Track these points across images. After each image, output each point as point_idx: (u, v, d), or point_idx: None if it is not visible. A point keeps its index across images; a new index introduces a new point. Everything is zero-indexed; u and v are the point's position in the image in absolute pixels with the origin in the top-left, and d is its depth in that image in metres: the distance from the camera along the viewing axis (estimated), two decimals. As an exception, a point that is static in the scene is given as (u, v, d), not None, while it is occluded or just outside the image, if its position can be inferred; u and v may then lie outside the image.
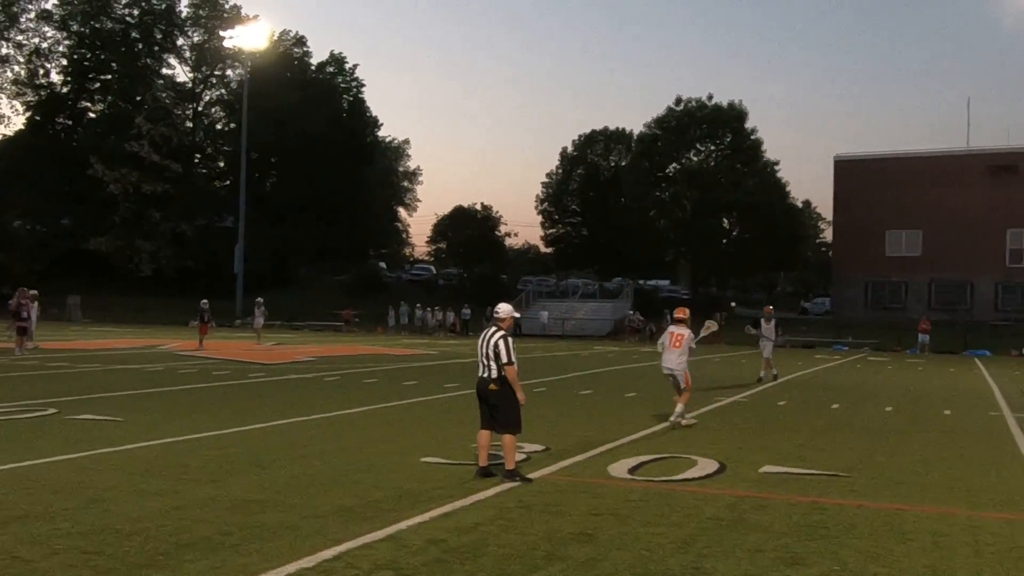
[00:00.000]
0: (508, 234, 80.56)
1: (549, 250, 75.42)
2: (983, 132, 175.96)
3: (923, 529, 7.19)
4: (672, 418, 13.38)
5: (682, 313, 14.00)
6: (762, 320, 23.05)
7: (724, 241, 65.24)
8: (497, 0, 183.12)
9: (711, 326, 15.40)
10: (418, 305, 54.95)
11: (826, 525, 7.23)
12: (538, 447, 10.84)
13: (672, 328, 13.79)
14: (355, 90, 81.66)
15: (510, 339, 8.99)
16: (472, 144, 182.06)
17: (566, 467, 9.68)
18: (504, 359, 8.78)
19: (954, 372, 29.03)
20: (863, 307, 63.34)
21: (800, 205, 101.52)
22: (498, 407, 8.88)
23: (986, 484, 9.33)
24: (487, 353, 8.92)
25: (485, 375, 8.95)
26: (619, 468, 9.63)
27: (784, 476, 9.46)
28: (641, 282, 74.14)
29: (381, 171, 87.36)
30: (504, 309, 9.32)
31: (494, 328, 9.10)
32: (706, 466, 9.93)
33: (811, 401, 17.74)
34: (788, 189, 69.65)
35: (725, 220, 64.46)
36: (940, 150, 64.11)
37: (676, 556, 6.23)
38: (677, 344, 13.50)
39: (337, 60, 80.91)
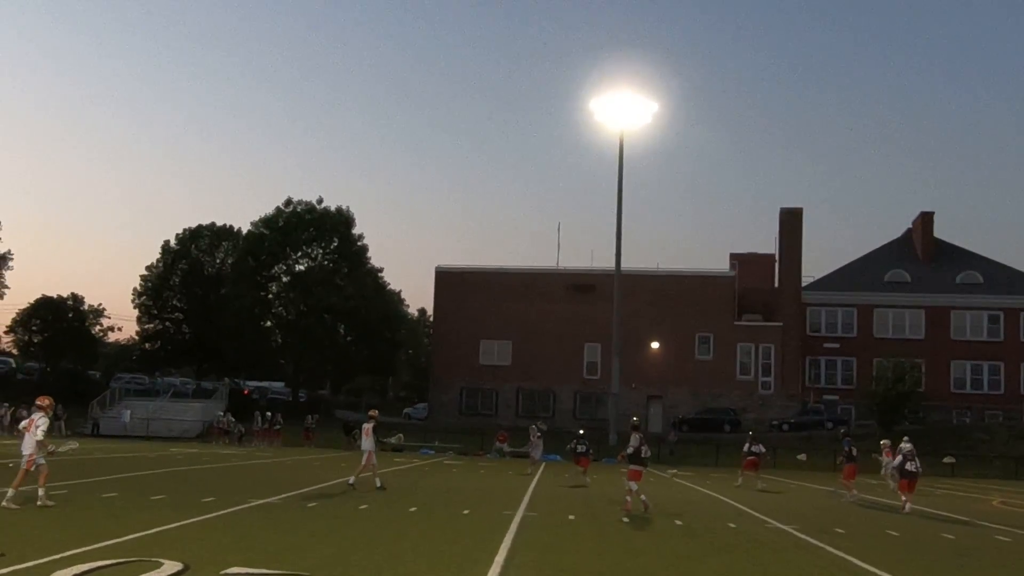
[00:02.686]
0: (111, 328, 76.01)
1: (147, 346, 71.62)
2: (571, 253, 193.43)
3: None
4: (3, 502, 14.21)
5: (43, 401, 15.39)
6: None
7: (327, 344, 65.31)
8: (106, 72, 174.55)
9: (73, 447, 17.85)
10: (-20, 401, 49.79)
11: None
12: (-11, 554, 9.93)
13: None
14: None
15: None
16: (69, 229, 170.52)
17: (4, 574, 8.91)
18: None
19: (512, 475, 30.63)
20: (458, 412, 65.91)
21: (416, 313, 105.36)
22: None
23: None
24: None
25: None
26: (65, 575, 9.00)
27: (246, 577, 9.31)
28: (249, 383, 72.46)
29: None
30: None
31: None
32: (168, 568, 9.55)
33: (340, 503, 17.86)
34: (402, 296, 71.68)
35: (327, 323, 64.62)
36: (530, 267, 69.05)
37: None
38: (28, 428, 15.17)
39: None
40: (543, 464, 30.91)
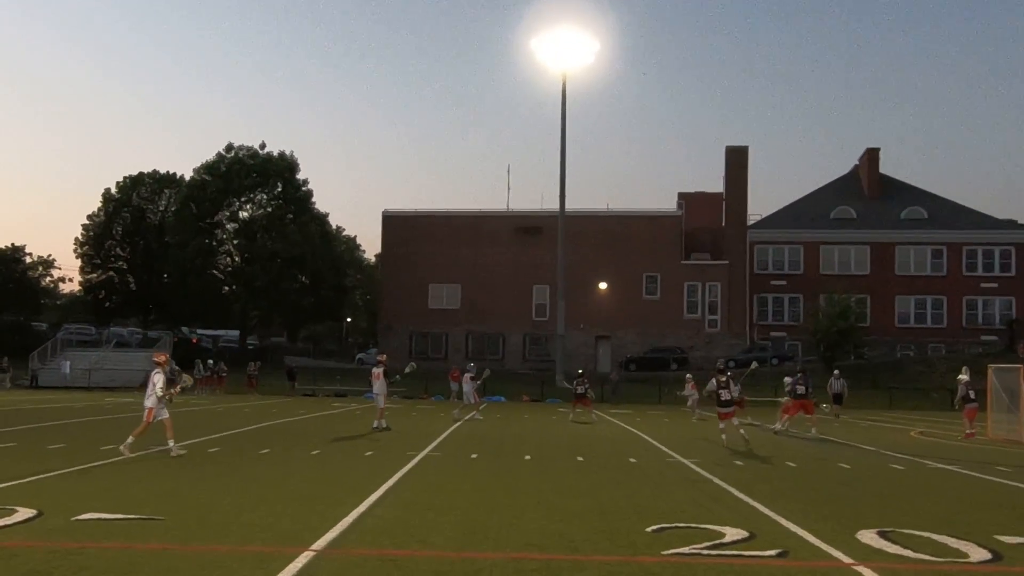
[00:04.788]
0: (62, 279, 75.04)
1: (91, 296, 70.78)
2: (521, 197, 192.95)
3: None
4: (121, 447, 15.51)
5: (159, 358, 16.32)
6: None
7: (274, 291, 64.83)
8: (44, 15, 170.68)
9: (186, 383, 18.01)
10: None
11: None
12: None
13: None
14: None
15: None
16: (14, 178, 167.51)
17: None
18: None
19: (443, 417, 30.67)
20: (407, 357, 65.80)
21: (373, 259, 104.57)
22: None
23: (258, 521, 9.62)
24: None
25: None
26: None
27: (99, 522, 9.19)
28: (202, 332, 71.98)
29: None
30: None
31: None
32: (20, 515, 9.42)
33: (243, 450, 17.78)
34: (358, 242, 71.01)
35: (273, 270, 64.06)
36: (478, 210, 68.70)
37: None
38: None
39: None
40: (479, 406, 30.86)
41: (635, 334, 64.61)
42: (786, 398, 25.74)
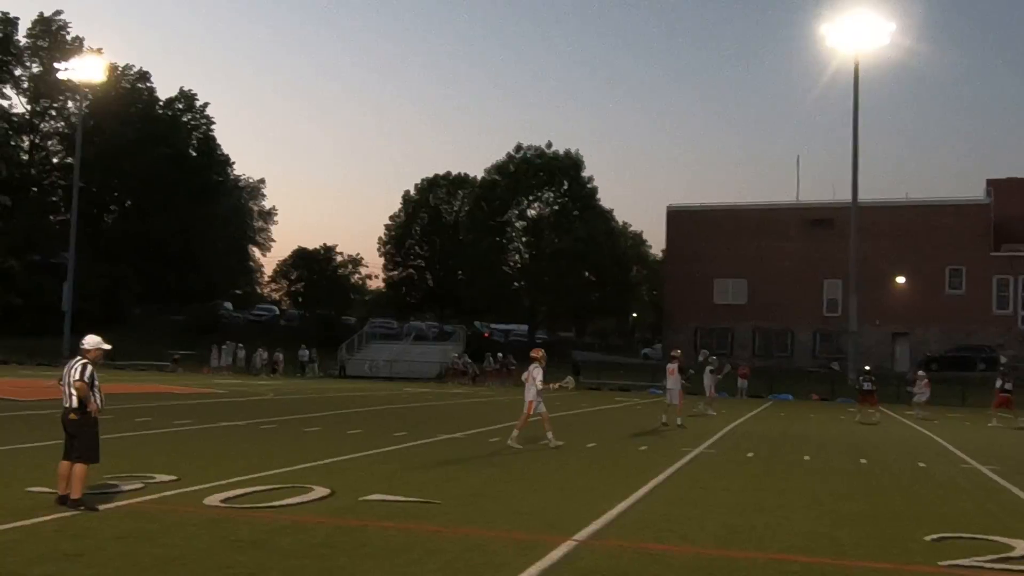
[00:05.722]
0: (369, 276, 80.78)
1: (392, 292, 75.66)
2: (811, 188, 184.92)
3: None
4: (509, 441, 16.26)
5: (536, 353, 16.90)
6: None
7: (560, 287, 66.34)
8: (350, 42, 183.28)
9: (568, 384, 18.93)
10: (239, 345, 54.30)
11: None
12: (170, 477, 11.08)
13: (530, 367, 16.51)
14: (204, 127, 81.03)
15: (91, 367, 9.25)
16: (325, 184, 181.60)
17: (166, 496, 9.90)
18: (76, 376, 9.08)
19: (723, 415, 30.21)
20: (693, 352, 65.24)
21: (660, 255, 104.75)
22: (76, 436, 9.13)
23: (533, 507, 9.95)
24: (68, 382, 9.19)
25: (67, 404, 9.20)
26: (216, 498, 9.90)
27: (382, 503, 9.93)
28: (495, 327, 75.02)
29: (231, 210, 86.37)
30: (91, 341, 9.56)
31: (79, 358, 9.37)
32: (316, 494, 10.33)
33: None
34: (644, 238, 71.62)
35: (559, 266, 65.56)
36: (765, 203, 66.96)
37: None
38: (527, 379, 16.54)
39: (186, 97, 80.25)
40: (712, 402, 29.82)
41: (937, 331, 60.56)
42: None
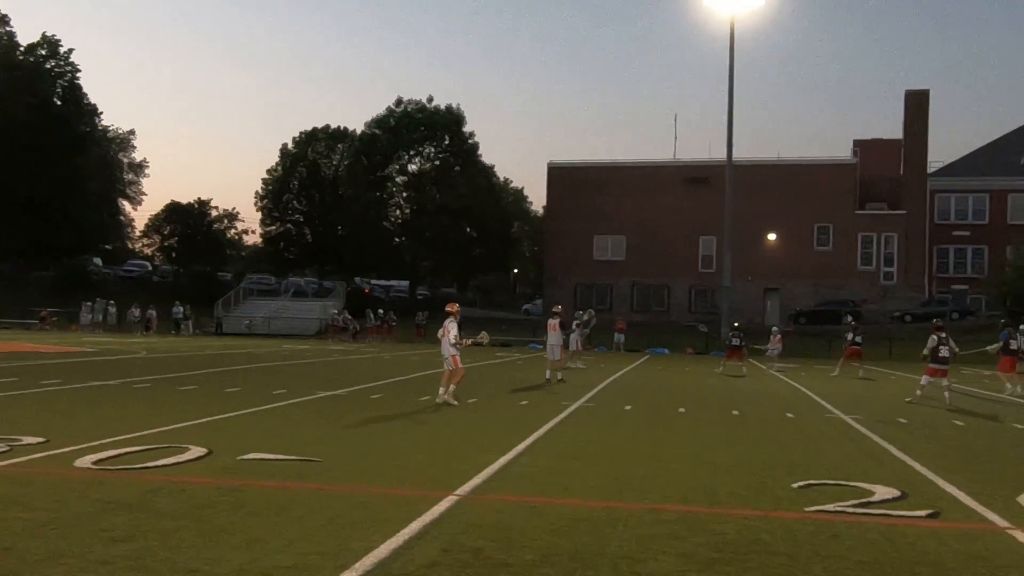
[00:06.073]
0: (246, 231, 78.94)
1: (270, 248, 74.25)
2: (688, 146, 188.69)
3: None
4: (437, 399, 16.20)
5: (451, 307, 16.88)
6: None
7: (441, 243, 66.27)
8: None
9: (483, 339, 19.30)
10: (110, 302, 52.61)
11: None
12: (38, 439, 10.68)
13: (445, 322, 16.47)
14: (70, 75, 77.37)
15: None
16: (199, 136, 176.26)
17: (34, 459, 9.54)
18: None
19: (603, 368, 30.76)
20: (572, 308, 66.07)
21: (541, 211, 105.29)
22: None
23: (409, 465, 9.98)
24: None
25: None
26: (88, 459, 9.59)
27: (262, 462, 9.78)
28: (375, 283, 74.37)
29: (99, 162, 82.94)
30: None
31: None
32: (192, 453, 10.10)
33: (403, 396, 18.39)
34: (525, 194, 71.82)
35: (441, 222, 65.43)
36: (644, 161, 68.00)
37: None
38: (443, 335, 16.39)
39: (50, 42, 76.33)
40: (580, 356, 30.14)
41: (806, 287, 62.89)
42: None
